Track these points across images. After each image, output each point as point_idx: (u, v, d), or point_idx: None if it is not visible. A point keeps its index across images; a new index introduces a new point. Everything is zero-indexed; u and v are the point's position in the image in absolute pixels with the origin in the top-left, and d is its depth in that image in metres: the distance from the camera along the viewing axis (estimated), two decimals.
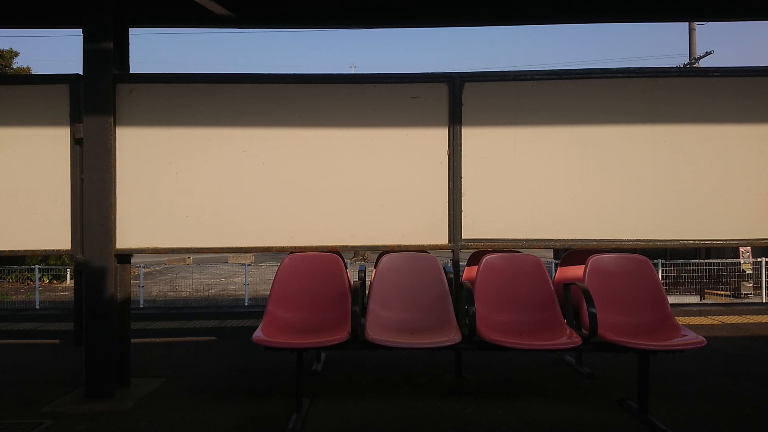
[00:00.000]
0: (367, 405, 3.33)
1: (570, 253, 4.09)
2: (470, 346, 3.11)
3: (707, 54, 22.39)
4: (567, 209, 3.63)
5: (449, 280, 3.54)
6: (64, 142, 3.58)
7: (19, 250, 3.59)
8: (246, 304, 12.16)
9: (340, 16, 4.34)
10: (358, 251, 19.58)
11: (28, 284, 15.79)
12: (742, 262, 13.61)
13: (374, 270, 3.76)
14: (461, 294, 3.43)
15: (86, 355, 3.51)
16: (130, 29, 3.85)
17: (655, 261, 12.30)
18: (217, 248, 3.62)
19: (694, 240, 3.63)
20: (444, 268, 3.59)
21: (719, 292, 13.54)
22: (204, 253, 3.65)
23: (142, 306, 11.38)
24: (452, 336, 3.04)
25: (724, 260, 13.61)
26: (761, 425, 3.03)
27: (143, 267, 13.49)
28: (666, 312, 3.31)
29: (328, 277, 3.54)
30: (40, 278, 13.76)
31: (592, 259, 3.51)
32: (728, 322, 5.81)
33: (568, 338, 3.04)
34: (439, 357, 4.16)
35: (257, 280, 14.75)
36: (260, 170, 3.62)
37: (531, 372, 3.99)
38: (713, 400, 3.39)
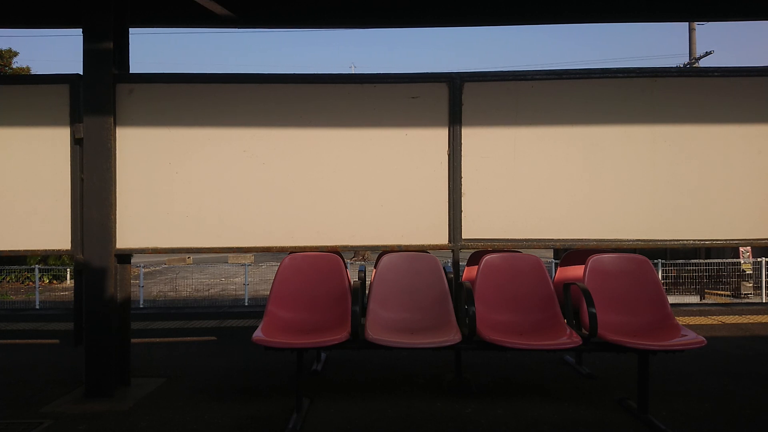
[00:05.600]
0: (367, 405, 3.33)
1: (570, 253, 4.09)
2: (470, 346, 3.11)
3: (707, 54, 22.42)
4: (567, 209, 3.63)
5: (449, 280, 3.54)
6: (64, 142, 3.58)
7: (19, 250, 3.58)
8: (246, 304, 12.16)
9: (340, 16, 4.34)
10: (358, 251, 19.60)
11: (28, 284, 15.80)
12: (742, 262, 13.61)
13: (374, 270, 3.76)
14: (461, 294, 3.43)
15: (86, 355, 3.51)
16: (130, 29, 3.85)
17: (655, 261, 12.30)
18: (217, 248, 3.62)
19: (693, 240, 3.63)
20: (444, 268, 3.58)
21: (719, 292, 13.54)
22: (204, 253, 3.65)
23: (142, 306, 11.38)
24: (452, 336, 3.04)
25: (724, 260, 13.61)
26: (761, 425, 3.03)
27: (143, 267, 13.49)
28: (666, 312, 3.31)
29: (328, 277, 3.54)
30: (40, 278, 13.76)
31: (592, 259, 3.51)
32: (728, 322, 5.81)
33: (568, 338, 3.04)
34: (439, 357, 4.16)
35: (257, 280, 14.76)
36: (260, 170, 3.62)
37: (531, 372, 3.99)
38: (713, 400, 3.39)
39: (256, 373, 4.00)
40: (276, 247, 3.62)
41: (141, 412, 3.24)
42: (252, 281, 13.73)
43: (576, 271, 3.82)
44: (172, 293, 13.90)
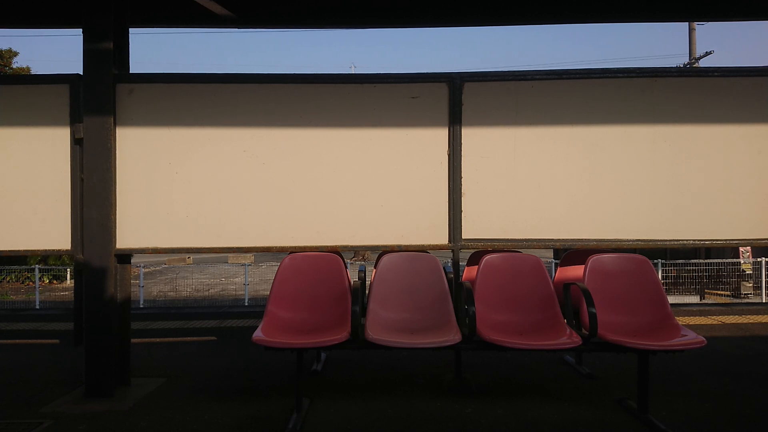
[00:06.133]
0: (367, 405, 3.33)
1: (570, 253, 4.09)
2: (470, 346, 3.11)
3: (707, 54, 22.41)
4: (567, 209, 3.63)
5: (449, 280, 3.54)
6: (64, 142, 3.58)
7: (19, 250, 3.58)
8: (246, 304, 12.16)
9: (340, 16, 4.34)
10: (358, 251, 19.59)
11: (28, 284, 15.80)
12: (742, 262, 13.60)
13: (374, 270, 3.76)
14: (461, 294, 3.43)
15: (86, 355, 3.51)
16: (130, 29, 3.85)
17: (655, 261, 12.30)
18: (217, 248, 3.62)
19: (693, 240, 3.63)
20: (444, 268, 3.58)
21: (719, 292, 13.53)
22: (204, 253, 3.65)
23: (142, 306, 11.38)
24: (452, 336, 3.04)
25: (724, 260, 13.60)
26: (761, 425, 3.03)
27: (143, 267, 13.50)
28: (666, 312, 3.31)
29: (328, 277, 3.54)
30: (40, 278, 13.76)
31: (592, 259, 3.51)
32: (728, 322, 5.81)
33: (568, 338, 3.04)
34: (439, 357, 4.16)
35: (257, 280, 14.76)
36: (260, 170, 3.62)
37: (531, 372, 3.99)
38: (713, 400, 3.39)
39: (256, 373, 4.00)
40: (276, 247, 3.62)
41: (141, 412, 3.24)
42: (252, 281, 13.73)
43: (576, 271, 3.82)
44: (172, 293, 13.90)
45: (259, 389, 3.65)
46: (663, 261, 13.02)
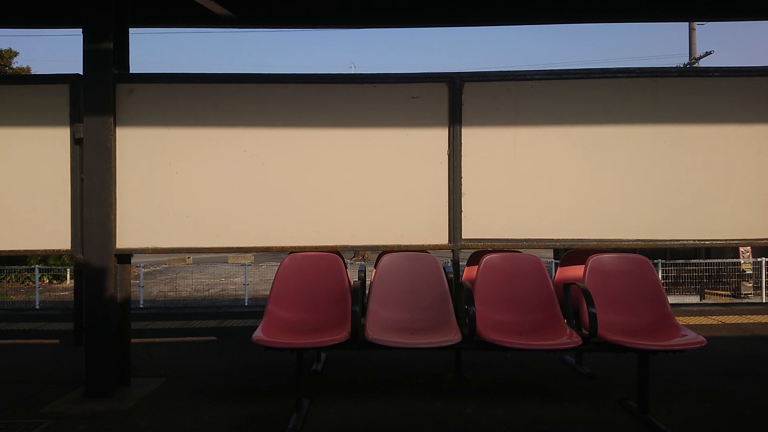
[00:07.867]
0: (367, 405, 3.33)
1: (570, 253, 4.09)
2: (470, 346, 3.11)
3: (707, 54, 22.41)
4: (567, 209, 3.63)
5: (449, 280, 3.54)
6: (64, 142, 3.58)
7: (19, 250, 3.58)
8: (246, 304, 12.16)
9: (340, 16, 4.34)
10: (358, 251, 19.59)
11: (28, 284, 15.79)
12: (742, 262, 13.60)
13: (374, 270, 3.76)
14: (461, 294, 3.43)
15: (86, 355, 3.51)
16: (130, 29, 3.85)
17: (655, 261, 12.29)
18: (217, 248, 3.62)
19: (694, 240, 3.63)
20: (444, 268, 3.58)
21: (719, 292, 13.53)
22: (204, 253, 3.65)
23: (142, 306, 11.38)
24: (452, 336, 3.04)
25: (724, 260, 13.60)
26: (761, 425, 3.03)
27: (143, 267, 13.49)
28: (666, 312, 3.31)
29: (328, 277, 3.54)
30: (40, 278, 13.75)
31: (592, 259, 3.51)
32: (728, 322, 5.81)
33: (568, 338, 3.04)
34: (439, 357, 4.16)
35: (257, 280, 14.75)
36: (260, 170, 3.62)
37: (531, 372, 3.99)
38: (713, 400, 3.39)
39: (256, 373, 4.00)
40: (276, 247, 3.62)
41: (141, 412, 3.24)
42: (252, 281, 13.73)
43: (576, 271, 3.82)
44: (172, 293, 13.89)
45: (259, 389, 3.65)
46: (663, 261, 13.01)
